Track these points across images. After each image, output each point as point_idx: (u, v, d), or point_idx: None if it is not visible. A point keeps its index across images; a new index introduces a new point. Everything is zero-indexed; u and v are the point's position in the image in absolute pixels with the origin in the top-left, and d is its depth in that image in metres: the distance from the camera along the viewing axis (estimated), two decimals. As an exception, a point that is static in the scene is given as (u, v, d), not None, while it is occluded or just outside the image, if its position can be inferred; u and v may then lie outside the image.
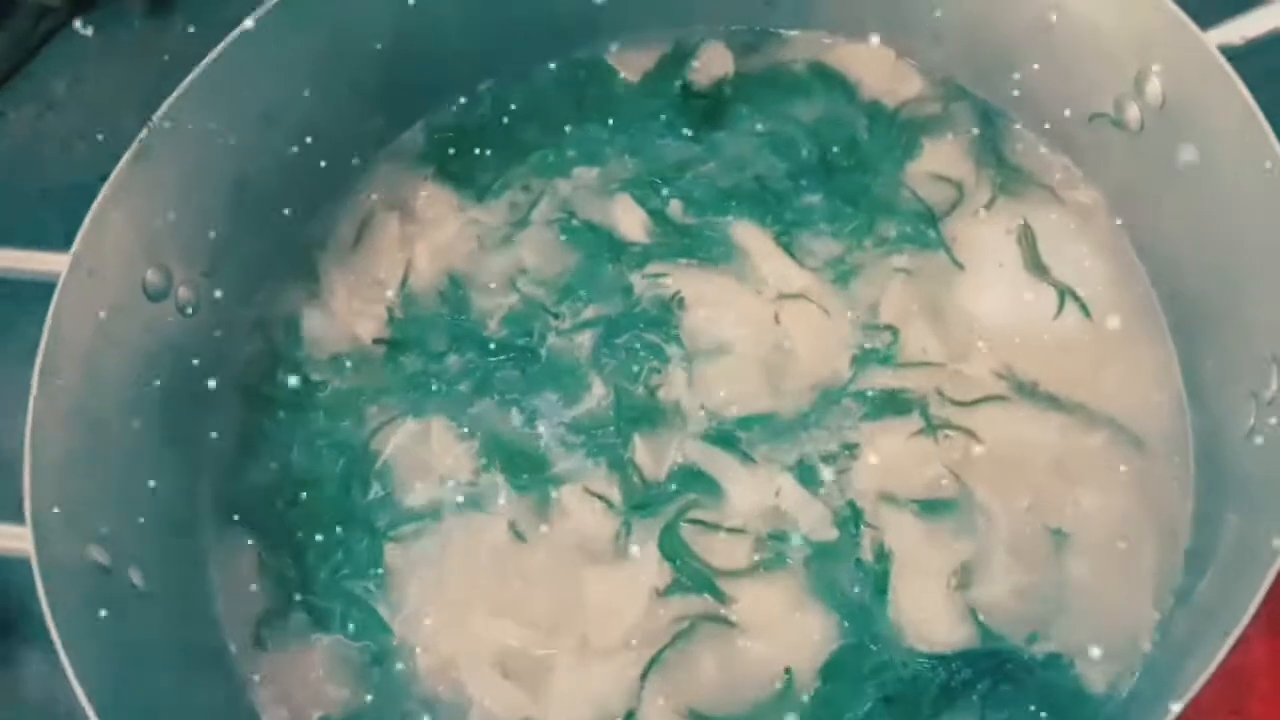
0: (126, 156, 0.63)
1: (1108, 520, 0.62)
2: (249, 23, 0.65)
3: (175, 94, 0.64)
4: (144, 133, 0.64)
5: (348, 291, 0.73)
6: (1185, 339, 0.64)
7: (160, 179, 0.65)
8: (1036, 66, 0.68)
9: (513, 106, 0.77)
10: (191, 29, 1.00)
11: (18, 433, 0.59)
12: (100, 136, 0.95)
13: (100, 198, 0.62)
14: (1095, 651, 0.59)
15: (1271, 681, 0.65)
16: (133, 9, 1.00)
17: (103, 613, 0.57)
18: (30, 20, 1.01)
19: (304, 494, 0.68)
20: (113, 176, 0.63)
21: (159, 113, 0.64)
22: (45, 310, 0.61)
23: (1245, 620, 0.46)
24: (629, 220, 0.72)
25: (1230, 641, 0.46)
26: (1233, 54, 0.57)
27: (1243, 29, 0.57)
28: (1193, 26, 0.57)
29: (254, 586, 0.66)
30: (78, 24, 1.01)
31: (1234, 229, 0.58)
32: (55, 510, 0.57)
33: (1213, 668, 0.46)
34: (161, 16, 1.00)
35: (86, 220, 0.62)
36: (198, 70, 0.65)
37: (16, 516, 0.56)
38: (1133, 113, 0.63)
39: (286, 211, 0.73)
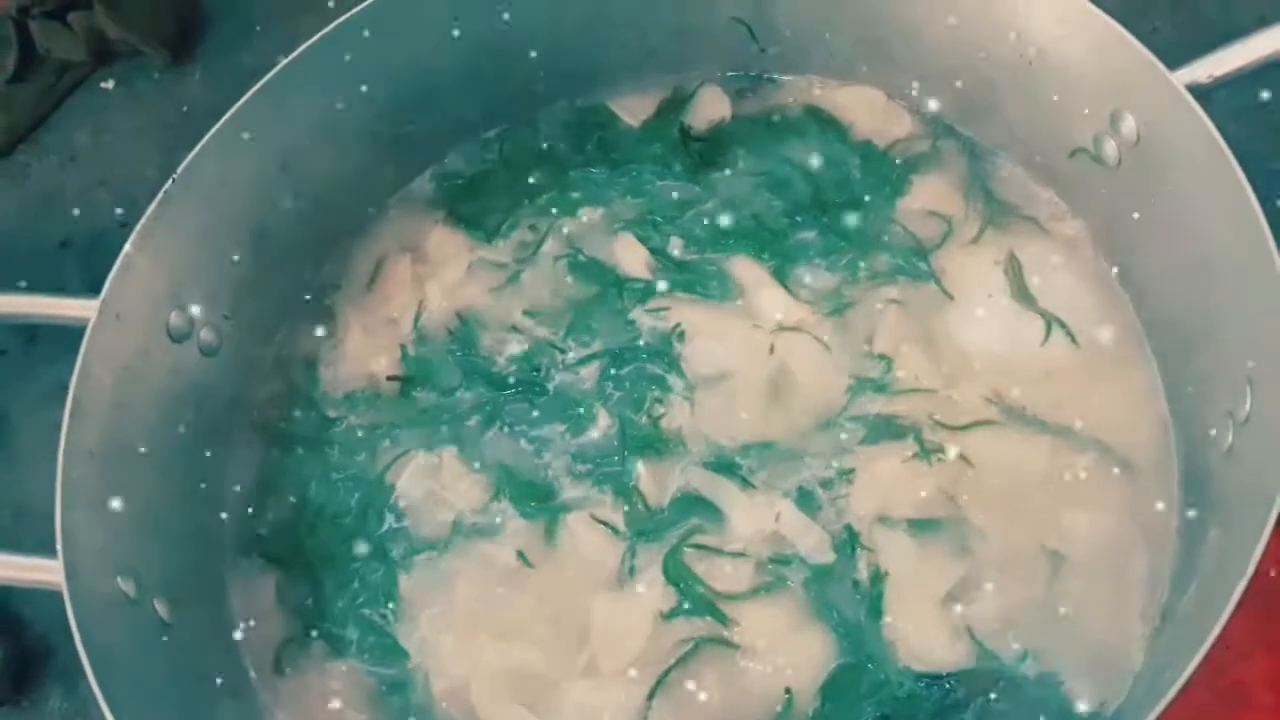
0: (152, 206, 0.66)
1: (1097, 539, 0.63)
2: (266, 79, 0.68)
3: (197, 147, 0.67)
4: (169, 184, 0.66)
5: (363, 331, 0.75)
6: (1167, 362, 0.66)
7: (184, 227, 0.68)
8: (1019, 106, 0.70)
9: (519, 152, 0.80)
10: (210, 81, 1.03)
11: (42, 470, 0.61)
12: (121, 186, 0.98)
13: (128, 245, 0.65)
14: (1086, 669, 0.60)
15: (1269, 696, 0.66)
16: (153, 62, 1.03)
17: (131, 643, 0.59)
18: (54, 74, 1.04)
19: (322, 526, 0.70)
20: (139, 225, 0.66)
21: (183, 164, 0.67)
22: (65, 354, 0.63)
23: (1216, 633, 0.48)
24: (631, 257, 0.74)
25: (1201, 654, 0.48)
26: (1201, 92, 0.59)
27: (1210, 68, 0.59)
28: (1161, 67, 0.59)
29: (274, 616, 0.68)
30: (100, 77, 1.05)
31: (1207, 257, 0.60)
32: (85, 544, 0.59)
33: (1185, 677, 0.48)
34: (181, 69, 1.03)
35: (115, 267, 0.65)
36: (218, 125, 0.68)
37: (45, 550, 0.59)
38: (1110, 149, 0.66)
39: (303, 256, 0.76)
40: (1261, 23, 0.61)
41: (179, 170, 0.66)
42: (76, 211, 0.99)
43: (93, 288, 0.65)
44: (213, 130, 0.67)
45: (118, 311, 0.65)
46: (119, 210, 0.93)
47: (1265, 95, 0.69)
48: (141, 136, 1.02)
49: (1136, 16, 0.64)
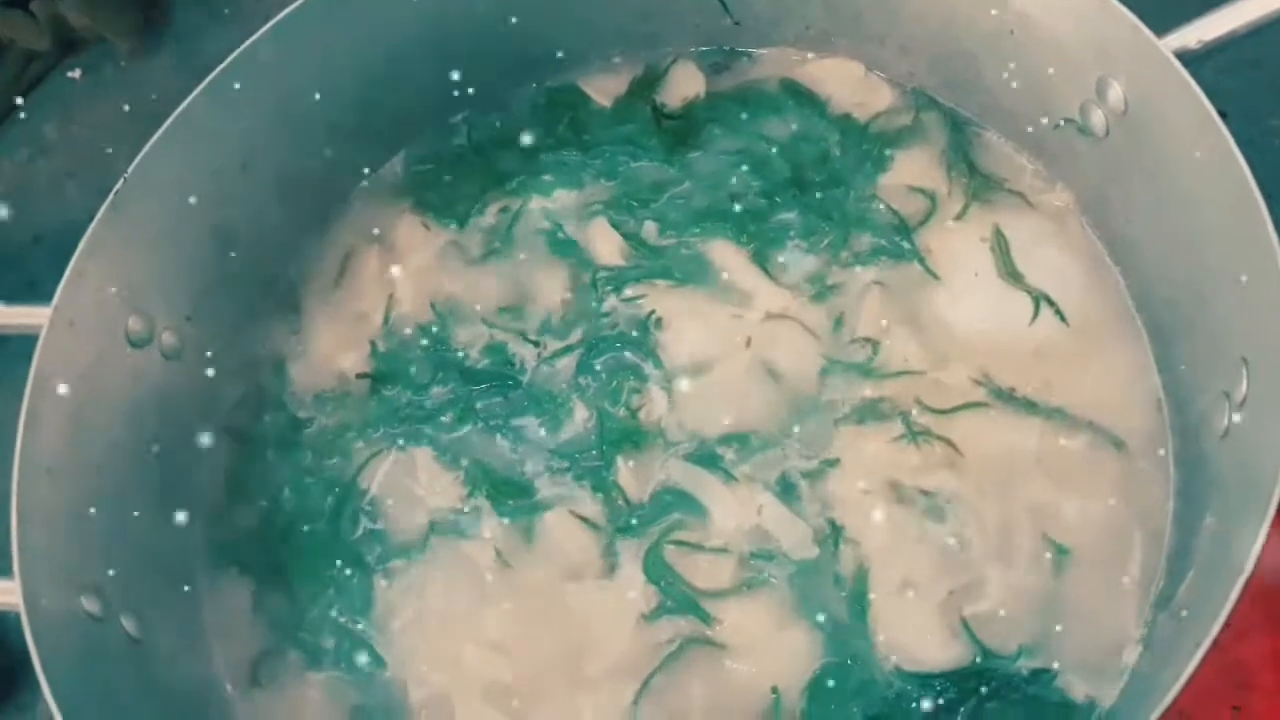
0: (103, 208, 0.64)
1: (1092, 525, 0.61)
2: (215, 72, 0.66)
3: (147, 146, 0.65)
4: (119, 184, 0.64)
5: (331, 328, 0.73)
6: (1160, 340, 0.64)
7: (139, 228, 0.66)
8: (1002, 75, 0.68)
9: (488, 136, 0.77)
10: (179, 68, 1.01)
11: (4, 486, 0.59)
12: (91, 178, 0.96)
13: (79, 250, 0.63)
14: (1080, 664, 0.58)
15: (1273, 676, 0.65)
16: (120, 50, 1.01)
17: (96, 664, 0.57)
18: (19, 65, 1.02)
19: (295, 532, 0.68)
20: (90, 228, 0.64)
21: (133, 164, 0.64)
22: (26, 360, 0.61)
23: (1218, 627, 0.46)
24: (605, 244, 0.72)
25: (1203, 650, 0.46)
26: (1191, 58, 0.56)
27: (1199, 33, 0.57)
28: (1148, 33, 0.57)
29: (249, 627, 0.67)
30: (66, 67, 1.03)
31: (1198, 231, 0.58)
32: (44, 562, 0.58)
33: (1186, 676, 0.46)
34: (148, 56, 1.01)
35: (66, 273, 0.63)
36: (170, 120, 0.66)
37: (5, 570, 0.57)
38: (1097, 118, 0.63)
39: (267, 251, 0.73)
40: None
41: (129, 171, 0.64)
42: (47, 205, 0.97)
43: (66, 284, 0.63)
44: (162, 128, 0.65)
45: (71, 318, 0.63)
46: (90, 203, 0.91)
47: (1262, 51, 0.66)
48: (110, 126, 1.00)
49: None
